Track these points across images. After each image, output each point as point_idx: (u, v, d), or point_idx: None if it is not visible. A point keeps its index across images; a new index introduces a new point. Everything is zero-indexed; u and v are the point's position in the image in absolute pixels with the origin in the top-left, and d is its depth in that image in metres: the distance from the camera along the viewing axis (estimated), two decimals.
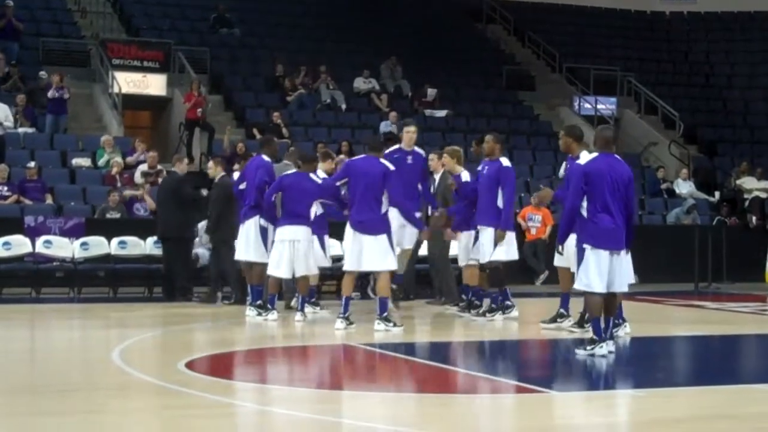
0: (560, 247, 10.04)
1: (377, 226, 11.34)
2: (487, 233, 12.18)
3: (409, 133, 13.11)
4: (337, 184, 11.86)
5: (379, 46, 26.12)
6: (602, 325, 9.45)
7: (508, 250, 12.25)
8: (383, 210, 11.45)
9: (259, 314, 12.55)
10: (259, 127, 21.01)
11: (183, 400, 7.42)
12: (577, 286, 9.54)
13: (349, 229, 11.54)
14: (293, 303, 13.21)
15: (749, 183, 23.06)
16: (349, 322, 11.44)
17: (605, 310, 9.45)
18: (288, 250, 12.14)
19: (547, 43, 29.01)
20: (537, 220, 18.70)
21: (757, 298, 17.14)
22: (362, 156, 12.20)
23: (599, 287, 9.31)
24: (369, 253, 11.29)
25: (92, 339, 11.69)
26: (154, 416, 7.09)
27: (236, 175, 14.35)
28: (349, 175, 11.60)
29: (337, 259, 15.69)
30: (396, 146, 13.21)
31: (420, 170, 13.17)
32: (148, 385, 8.14)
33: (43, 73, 20.97)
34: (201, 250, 15.62)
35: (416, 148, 13.23)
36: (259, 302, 12.70)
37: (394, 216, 12.00)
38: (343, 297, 11.61)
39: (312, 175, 12.43)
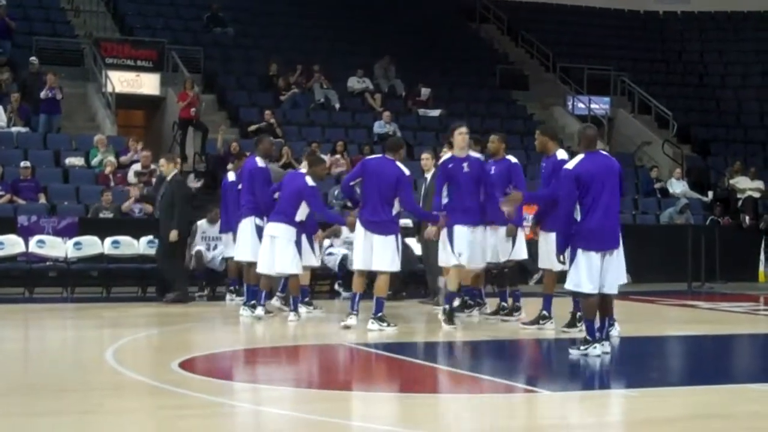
0: (561, 257, 9.70)
1: (388, 226, 11.34)
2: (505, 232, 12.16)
3: (462, 134, 11.74)
4: (351, 183, 11.82)
5: (372, 45, 26.11)
6: (596, 325, 9.47)
7: (520, 249, 12.25)
8: (394, 212, 11.43)
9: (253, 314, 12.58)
10: (258, 126, 20.89)
11: (177, 400, 7.42)
12: (567, 285, 9.55)
13: (359, 228, 11.49)
14: (274, 300, 13.35)
15: (742, 183, 23.13)
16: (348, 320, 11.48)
17: (600, 310, 9.46)
18: (268, 246, 12.20)
19: (541, 43, 29.04)
20: (530, 220, 18.62)
21: (750, 298, 17.19)
22: (378, 156, 12.12)
23: (588, 288, 9.31)
24: (377, 252, 11.31)
25: (86, 339, 11.67)
26: (149, 416, 7.09)
27: (230, 174, 14.35)
28: (363, 175, 11.57)
29: None
30: (448, 153, 12.01)
31: (478, 178, 11.79)
32: (142, 385, 8.14)
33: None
34: (201, 247, 15.55)
35: (472, 153, 11.91)
36: (253, 302, 12.70)
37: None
38: (354, 293, 11.63)
39: (308, 178, 12.44)
